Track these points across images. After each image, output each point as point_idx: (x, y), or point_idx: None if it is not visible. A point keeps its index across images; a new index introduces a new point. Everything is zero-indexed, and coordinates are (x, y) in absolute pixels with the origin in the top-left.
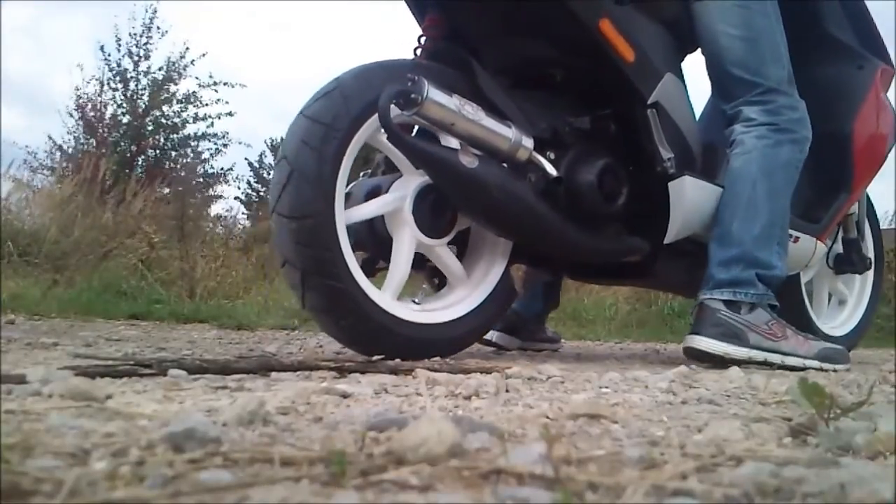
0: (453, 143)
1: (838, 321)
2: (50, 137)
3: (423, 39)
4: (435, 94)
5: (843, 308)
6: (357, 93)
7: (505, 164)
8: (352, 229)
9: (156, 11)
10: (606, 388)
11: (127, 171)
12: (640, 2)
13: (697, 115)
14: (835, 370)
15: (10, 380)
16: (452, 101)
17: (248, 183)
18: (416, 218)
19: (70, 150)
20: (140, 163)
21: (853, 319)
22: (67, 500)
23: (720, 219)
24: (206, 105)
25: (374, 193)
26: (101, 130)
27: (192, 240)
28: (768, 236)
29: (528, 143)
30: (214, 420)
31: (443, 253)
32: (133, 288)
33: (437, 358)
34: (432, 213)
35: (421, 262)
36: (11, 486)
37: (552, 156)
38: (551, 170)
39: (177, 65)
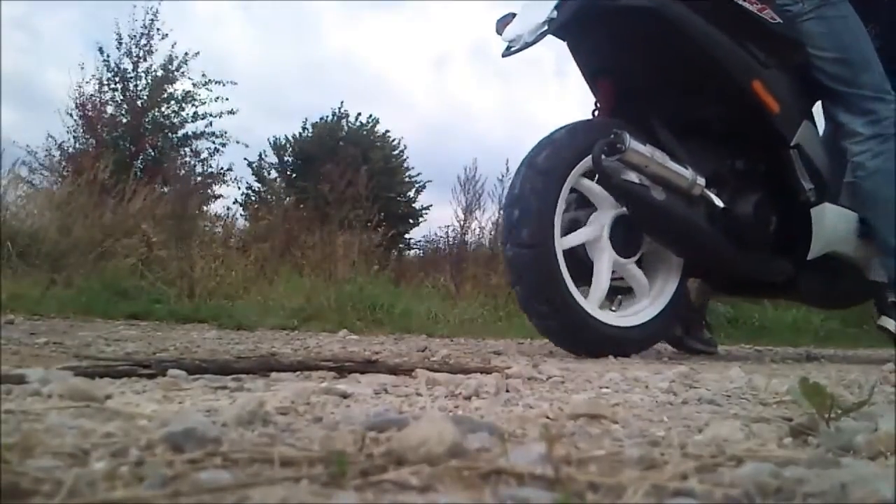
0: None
1: None
2: (50, 136)
3: (597, 103)
4: (635, 144)
5: None
6: (570, 144)
7: (682, 198)
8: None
9: (157, 13)
10: (607, 388)
11: (126, 170)
12: (781, 64)
13: None
14: None
15: (10, 380)
16: (647, 150)
17: (249, 186)
18: (612, 243)
19: (69, 150)
20: (139, 162)
21: None
22: (67, 500)
23: (878, 238)
24: (205, 103)
25: (573, 224)
26: (100, 130)
27: (191, 239)
28: None
29: (701, 181)
30: (214, 420)
31: (633, 269)
32: (133, 288)
33: (438, 358)
34: (624, 238)
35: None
36: (11, 486)
37: (714, 191)
38: (718, 202)
39: (174, 64)
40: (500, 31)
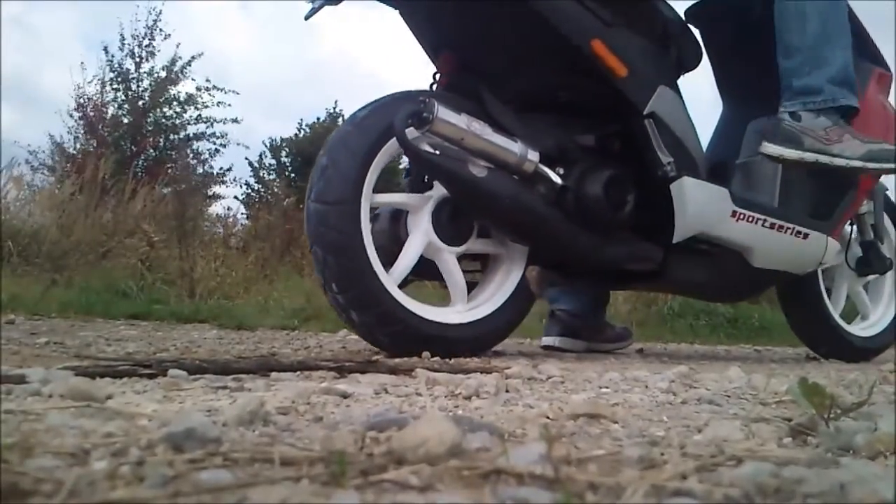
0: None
1: (868, 322)
2: (50, 136)
3: (437, 76)
4: (444, 112)
5: (876, 307)
6: (378, 119)
7: (515, 176)
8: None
9: (160, 13)
10: (606, 388)
11: (127, 170)
12: (629, 24)
13: (710, 133)
14: (881, 168)
15: (10, 380)
16: (461, 119)
17: (247, 184)
18: (434, 222)
19: (70, 150)
20: (140, 163)
21: (885, 318)
22: (67, 501)
23: (779, 43)
24: (207, 107)
25: (396, 215)
26: (101, 130)
27: (191, 239)
28: (826, 34)
29: (534, 156)
30: (214, 420)
31: (450, 263)
32: (132, 288)
33: (437, 358)
34: (452, 223)
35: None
36: (11, 486)
37: (561, 170)
38: (556, 179)
39: (176, 65)
40: None
